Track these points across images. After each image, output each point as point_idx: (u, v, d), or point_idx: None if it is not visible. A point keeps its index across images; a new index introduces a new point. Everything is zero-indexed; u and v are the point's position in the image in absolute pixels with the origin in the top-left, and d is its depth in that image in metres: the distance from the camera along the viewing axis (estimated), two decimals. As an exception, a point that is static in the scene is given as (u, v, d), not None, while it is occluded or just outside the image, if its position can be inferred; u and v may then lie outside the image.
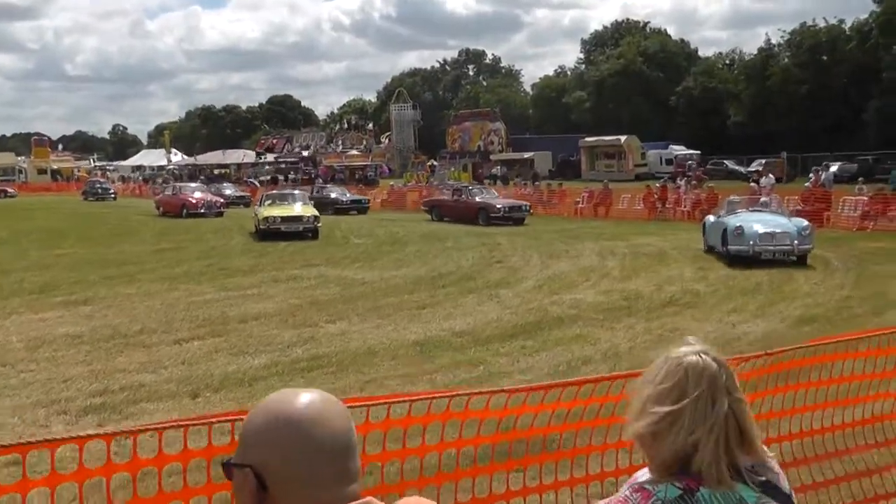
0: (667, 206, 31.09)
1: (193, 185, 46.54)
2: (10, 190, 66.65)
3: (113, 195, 59.64)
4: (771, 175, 33.13)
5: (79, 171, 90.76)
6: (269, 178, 69.52)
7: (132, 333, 11.11)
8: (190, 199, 37.87)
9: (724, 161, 63.69)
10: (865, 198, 26.46)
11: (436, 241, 24.18)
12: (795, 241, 17.16)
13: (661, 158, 67.44)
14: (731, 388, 1.81)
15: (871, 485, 4.90)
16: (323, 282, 16.10)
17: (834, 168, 55.59)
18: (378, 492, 2.87)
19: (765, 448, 1.88)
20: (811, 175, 32.23)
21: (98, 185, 63.12)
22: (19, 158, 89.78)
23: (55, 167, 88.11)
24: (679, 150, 69.41)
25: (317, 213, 26.92)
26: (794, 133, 68.03)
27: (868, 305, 12.38)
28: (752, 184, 30.06)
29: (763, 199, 20.50)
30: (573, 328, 10.99)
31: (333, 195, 40.45)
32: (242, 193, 49.76)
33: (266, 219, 25.75)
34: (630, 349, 9.75)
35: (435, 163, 76.25)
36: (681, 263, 17.75)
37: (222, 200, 39.74)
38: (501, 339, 10.38)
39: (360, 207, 39.51)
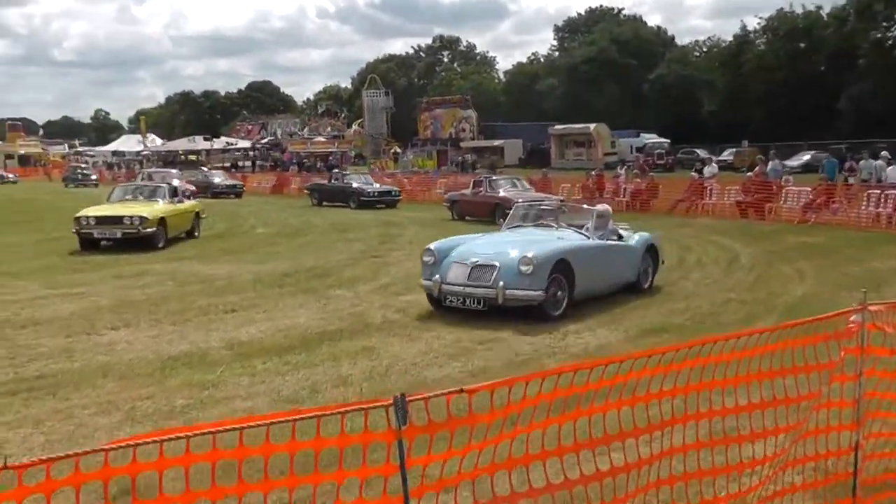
0: (604, 195, 29.32)
1: (164, 171, 41.72)
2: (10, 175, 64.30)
3: (95, 181, 56.79)
4: (714, 164, 31.30)
5: (51, 156, 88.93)
6: (228, 164, 67.53)
7: None
8: None
9: (696, 150, 62.02)
10: (808, 189, 24.77)
11: (339, 232, 22.50)
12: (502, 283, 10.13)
13: (631, 147, 65.75)
14: None
15: None
16: (167, 278, 14.36)
17: (806, 157, 54.57)
18: None
19: None
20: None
21: (79, 171, 60.81)
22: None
23: (22, 152, 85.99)
24: (650, 138, 67.85)
25: (157, 214, 19.09)
26: (769, 121, 66.50)
27: (743, 312, 10.63)
28: (694, 173, 28.36)
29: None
30: (372, 338, 9.25)
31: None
32: (234, 182, 45.40)
33: (79, 219, 18.76)
34: (409, 367, 8.01)
35: (398, 150, 74.35)
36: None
37: (192, 189, 32.92)
38: (274, 353, 8.63)
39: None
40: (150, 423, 6.43)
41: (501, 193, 25.79)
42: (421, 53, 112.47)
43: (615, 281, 11.71)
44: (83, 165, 69.36)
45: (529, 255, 10.04)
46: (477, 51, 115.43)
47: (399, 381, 7.52)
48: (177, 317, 10.76)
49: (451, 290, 10.37)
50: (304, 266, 15.43)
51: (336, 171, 45.52)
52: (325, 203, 34.05)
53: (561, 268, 10.33)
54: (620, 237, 12.18)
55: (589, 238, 11.44)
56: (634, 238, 12.43)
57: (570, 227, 11.77)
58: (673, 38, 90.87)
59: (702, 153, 60.56)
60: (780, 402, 4.02)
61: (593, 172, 31.28)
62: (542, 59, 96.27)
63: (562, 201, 19.45)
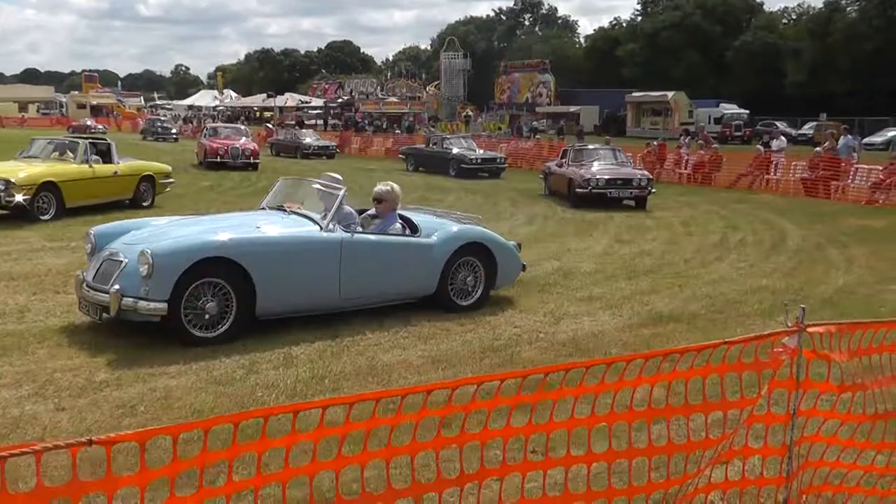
0: (665, 166, 28.28)
1: (230, 126, 37.43)
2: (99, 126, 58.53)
3: (175, 135, 53.46)
4: (783, 138, 29.79)
5: (127, 108, 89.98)
6: (293, 122, 67.43)
7: None
8: (211, 144, 29.92)
9: (776, 122, 59.75)
10: (880, 167, 23.39)
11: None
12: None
13: (709, 117, 63.83)
14: None
15: None
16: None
17: (891, 133, 51.95)
18: None
19: None
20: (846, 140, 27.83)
21: (158, 124, 56.61)
22: (59, 94, 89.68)
23: (94, 103, 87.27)
24: (730, 108, 65.82)
25: (36, 178, 15.15)
26: (856, 95, 63.63)
27: (769, 302, 9.87)
28: (760, 146, 27.09)
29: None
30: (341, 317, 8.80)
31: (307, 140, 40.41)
32: (327, 143, 41.13)
33: None
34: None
35: (470, 113, 73.61)
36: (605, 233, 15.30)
37: (252, 148, 30.23)
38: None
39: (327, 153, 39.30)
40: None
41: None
42: (502, 16, 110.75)
43: (373, 293, 8.56)
44: (163, 118, 66.67)
45: (149, 249, 7.25)
46: (559, 14, 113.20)
47: (344, 365, 7.08)
48: None
49: (82, 293, 7.83)
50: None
51: (434, 133, 44.95)
52: (421, 169, 31.40)
53: (225, 272, 7.47)
54: (414, 230, 9.01)
55: (319, 229, 8.19)
56: (438, 234, 8.99)
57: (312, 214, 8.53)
58: (762, 3, 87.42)
59: (781, 126, 58.40)
60: (675, 448, 3.38)
61: (655, 142, 30.13)
62: (624, 25, 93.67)
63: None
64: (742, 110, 64.38)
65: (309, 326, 8.04)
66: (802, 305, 3.44)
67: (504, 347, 7.73)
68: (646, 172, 21.07)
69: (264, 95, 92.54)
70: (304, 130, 44.74)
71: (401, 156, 34.66)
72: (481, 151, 31.17)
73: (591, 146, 23.78)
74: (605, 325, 8.63)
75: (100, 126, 58.47)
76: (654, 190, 20.27)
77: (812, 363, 3.46)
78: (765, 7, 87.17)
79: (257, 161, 29.89)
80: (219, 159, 29.13)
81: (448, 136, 35.79)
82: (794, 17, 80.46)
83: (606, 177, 19.84)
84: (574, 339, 8.04)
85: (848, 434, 3.78)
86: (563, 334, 8.24)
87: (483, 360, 7.33)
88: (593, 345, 7.87)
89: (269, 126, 59.94)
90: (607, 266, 11.99)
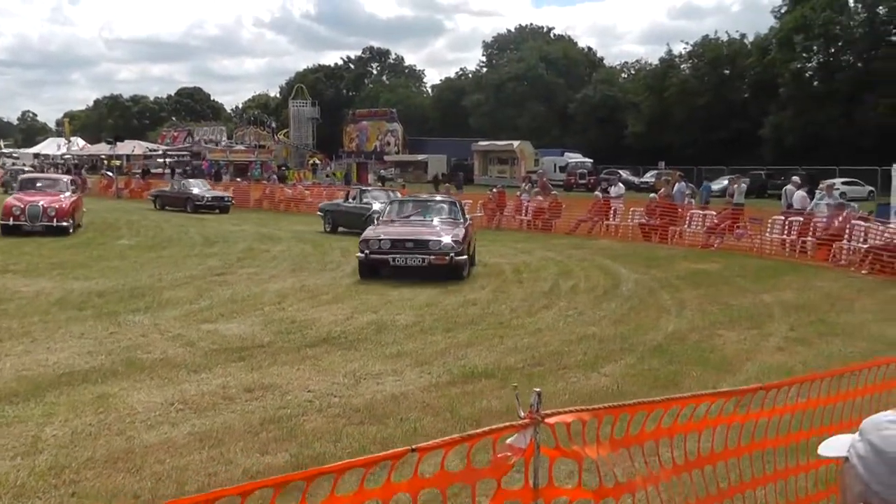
0: (505, 213, 27.89)
1: (47, 177, 29.43)
2: None
3: None
4: (621, 184, 30.07)
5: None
6: (139, 171, 64.59)
7: None
8: (7, 203, 23.17)
9: (619, 171, 61.22)
10: (714, 212, 23.64)
11: (207, 245, 20.63)
12: None
13: (555, 165, 64.84)
14: None
15: None
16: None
17: (725, 181, 53.87)
18: None
19: None
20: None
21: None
22: None
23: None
24: (574, 157, 67.09)
25: None
26: (692, 146, 66.11)
27: (594, 352, 9.10)
28: (598, 193, 27.08)
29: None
30: (116, 384, 7.47)
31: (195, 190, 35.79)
32: (221, 194, 36.58)
33: None
34: (134, 425, 6.28)
35: (318, 161, 72.51)
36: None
37: (61, 206, 22.66)
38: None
39: (221, 206, 34.72)
40: None
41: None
42: (350, 65, 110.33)
43: None
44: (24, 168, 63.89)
45: None
46: (406, 64, 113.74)
47: (97, 448, 5.79)
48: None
49: None
50: (130, 284, 13.52)
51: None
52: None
53: None
54: None
55: None
56: None
57: None
58: (602, 59, 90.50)
59: (625, 174, 59.83)
60: None
61: (494, 189, 29.79)
62: (470, 76, 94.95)
63: None
64: (586, 159, 65.74)
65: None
66: (537, 389, 2.45)
67: (288, 418, 6.59)
68: (458, 233, 15.28)
69: (107, 143, 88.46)
70: (191, 180, 39.68)
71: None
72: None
73: (408, 199, 19.98)
74: (409, 386, 7.60)
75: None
76: (461, 258, 14.86)
77: (557, 463, 2.48)
78: (605, 62, 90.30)
79: (65, 224, 22.35)
80: (11, 222, 22.02)
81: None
82: (632, 72, 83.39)
83: (393, 237, 14.96)
84: (370, 405, 6.97)
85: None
86: (359, 398, 7.16)
87: (259, 435, 6.19)
88: (391, 409, 6.82)
89: (109, 174, 56.81)
90: (426, 318, 11.00)
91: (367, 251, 14.65)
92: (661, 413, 2.78)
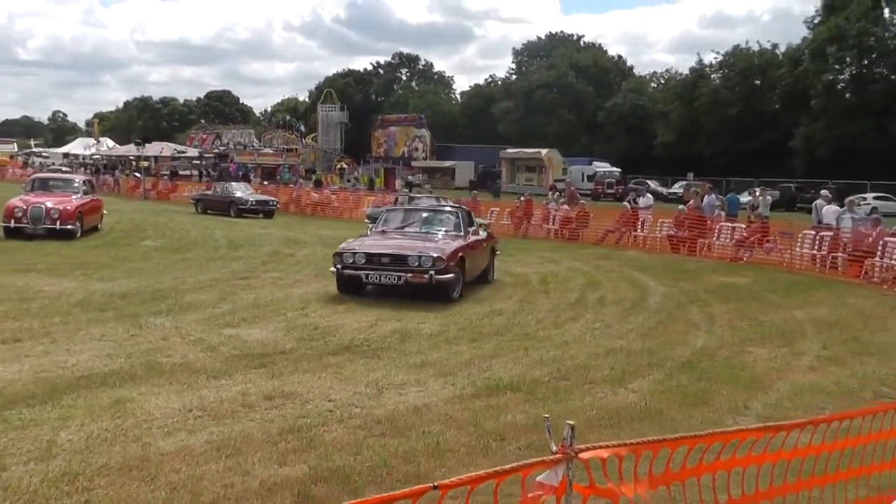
0: (532, 222, 27.68)
1: (59, 177, 27.31)
2: None
3: None
4: (649, 195, 29.79)
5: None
6: (167, 172, 64.99)
7: None
8: (10, 203, 21.25)
9: (647, 181, 60.86)
10: (743, 225, 23.31)
11: (233, 248, 20.60)
12: None
13: (582, 174, 64.55)
14: None
15: None
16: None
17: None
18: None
19: None
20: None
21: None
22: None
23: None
24: (602, 166, 66.79)
25: None
26: (722, 157, 65.57)
27: (621, 367, 8.90)
28: (626, 203, 26.80)
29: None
30: (135, 388, 7.37)
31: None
32: (266, 198, 36.00)
33: None
34: (142, 434, 6.17)
35: (345, 166, 72.60)
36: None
37: (66, 209, 21.09)
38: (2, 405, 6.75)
39: (265, 210, 34.10)
40: None
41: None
42: (379, 70, 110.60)
43: None
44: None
45: None
46: (435, 70, 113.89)
47: (112, 455, 5.68)
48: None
49: None
50: (153, 286, 13.47)
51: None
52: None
53: None
54: None
55: None
56: None
57: None
58: (632, 67, 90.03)
59: (653, 184, 59.39)
60: None
61: (522, 198, 29.60)
62: (499, 83, 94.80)
63: None
64: (614, 168, 65.42)
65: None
66: (569, 422, 2.27)
67: (308, 428, 6.44)
68: (447, 247, 13.30)
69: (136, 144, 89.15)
70: (234, 184, 38.35)
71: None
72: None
73: (408, 207, 19.19)
74: (432, 397, 7.43)
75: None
76: (445, 277, 12.80)
77: (590, 501, 2.30)
78: (635, 71, 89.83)
79: (69, 227, 20.87)
80: (13, 224, 20.55)
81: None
82: (662, 81, 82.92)
83: (369, 251, 13.13)
84: (392, 416, 6.81)
85: None
86: (381, 409, 7.00)
87: (278, 445, 6.05)
88: (413, 421, 6.66)
89: (137, 175, 57.13)
90: (451, 327, 10.83)
91: (339, 265, 13.07)
92: (703, 447, 2.59)
